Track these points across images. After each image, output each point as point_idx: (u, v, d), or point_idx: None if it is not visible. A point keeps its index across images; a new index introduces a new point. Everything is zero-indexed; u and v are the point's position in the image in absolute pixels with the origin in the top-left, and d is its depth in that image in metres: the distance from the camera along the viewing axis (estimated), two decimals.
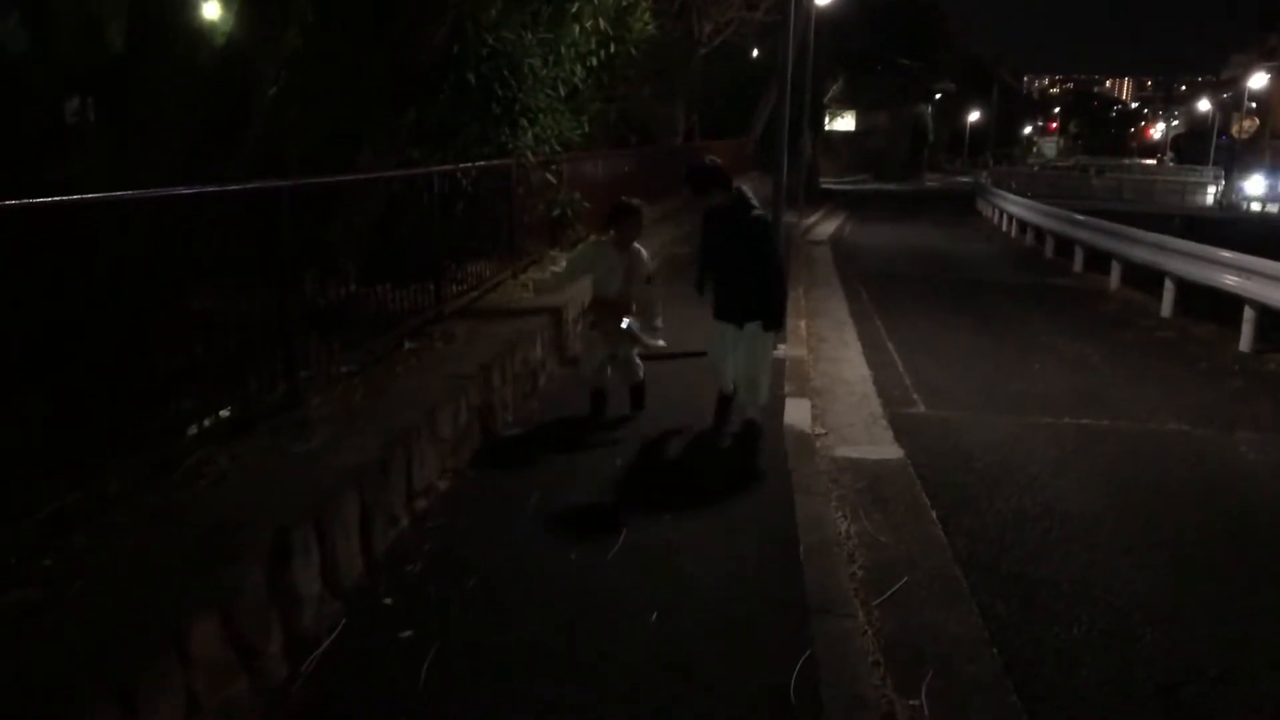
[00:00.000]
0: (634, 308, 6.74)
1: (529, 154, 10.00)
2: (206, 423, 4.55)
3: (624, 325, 6.70)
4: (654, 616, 4.17)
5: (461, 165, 8.48)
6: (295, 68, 7.66)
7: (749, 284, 6.26)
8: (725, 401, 6.85)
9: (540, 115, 10.12)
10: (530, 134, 9.96)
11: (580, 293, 9.49)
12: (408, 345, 6.68)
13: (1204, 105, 73.99)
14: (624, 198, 6.90)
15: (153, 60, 5.54)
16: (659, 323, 6.93)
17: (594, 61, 11.42)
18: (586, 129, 12.26)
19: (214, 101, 5.90)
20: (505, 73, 9.38)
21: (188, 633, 3.13)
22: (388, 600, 4.27)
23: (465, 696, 3.59)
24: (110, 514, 3.71)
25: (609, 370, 6.91)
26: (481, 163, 8.92)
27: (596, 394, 6.95)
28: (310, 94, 7.83)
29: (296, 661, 3.74)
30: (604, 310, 6.80)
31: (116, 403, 4.08)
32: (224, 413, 4.68)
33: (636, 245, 6.71)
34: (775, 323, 6.44)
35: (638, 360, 6.99)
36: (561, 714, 3.48)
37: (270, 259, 5.14)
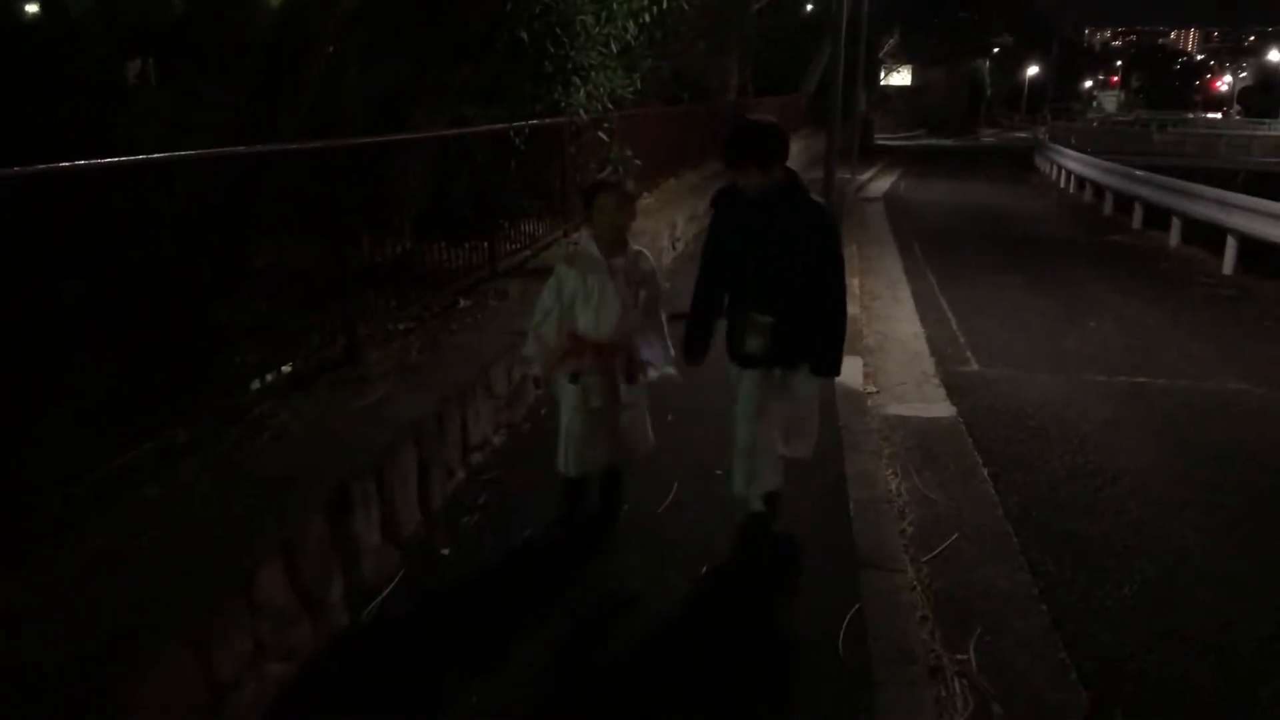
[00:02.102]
0: (640, 351, 4.34)
1: (581, 112, 9.99)
2: (269, 377, 4.67)
3: (626, 383, 4.29)
4: (704, 569, 4.24)
5: (514, 124, 8.50)
6: (352, 26, 7.71)
7: (798, 309, 4.08)
8: (760, 522, 4.54)
9: (592, 73, 10.09)
10: (582, 92, 9.95)
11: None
12: (462, 303, 6.77)
13: (1274, 56, 71.78)
14: (604, 175, 4.82)
15: (212, 21, 5.63)
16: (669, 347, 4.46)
17: (646, 18, 11.34)
18: (638, 86, 12.21)
19: (273, 61, 5.98)
20: (557, 30, 9.36)
21: (253, 579, 3.25)
22: (445, 551, 4.39)
23: (521, 644, 3.69)
24: (179, 465, 3.84)
25: (602, 448, 4.40)
26: (534, 121, 8.94)
27: (572, 486, 4.57)
28: (366, 53, 7.89)
29: (357, 609, 3.86)
30: (591, 356, 4.18)
31: (183, 357, 4.20)
32: (285, 368, 4.80)
33: (634, 246, 4.31)
34: (832, 365, 4.31)
35: (647, 423, 4.55)
36: (615, 663, 3.57)
37: (329, 216, 5.24)
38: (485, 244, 7.51)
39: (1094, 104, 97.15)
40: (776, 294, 4.12)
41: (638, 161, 11.87)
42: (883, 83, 52.30)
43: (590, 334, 4.15)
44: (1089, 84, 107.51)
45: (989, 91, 67.41)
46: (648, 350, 4.37)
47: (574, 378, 4.19)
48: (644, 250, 4.35)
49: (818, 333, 4.19)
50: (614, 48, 10.63)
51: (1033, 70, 76.46)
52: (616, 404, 4.27)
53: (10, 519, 3.19)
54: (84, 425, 3.62)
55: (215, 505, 3.62)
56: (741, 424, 4.34)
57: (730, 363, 4.34)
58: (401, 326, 5.95)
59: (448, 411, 4.92)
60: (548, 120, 9.37)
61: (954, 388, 7.29)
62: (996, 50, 67.10)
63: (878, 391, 7.09)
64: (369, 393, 4.88)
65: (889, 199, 21.86)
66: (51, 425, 3.52)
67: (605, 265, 4.13)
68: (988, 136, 58.83)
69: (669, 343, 4.40)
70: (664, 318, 4.42)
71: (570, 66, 9.68)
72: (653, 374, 4.41)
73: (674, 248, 11.83)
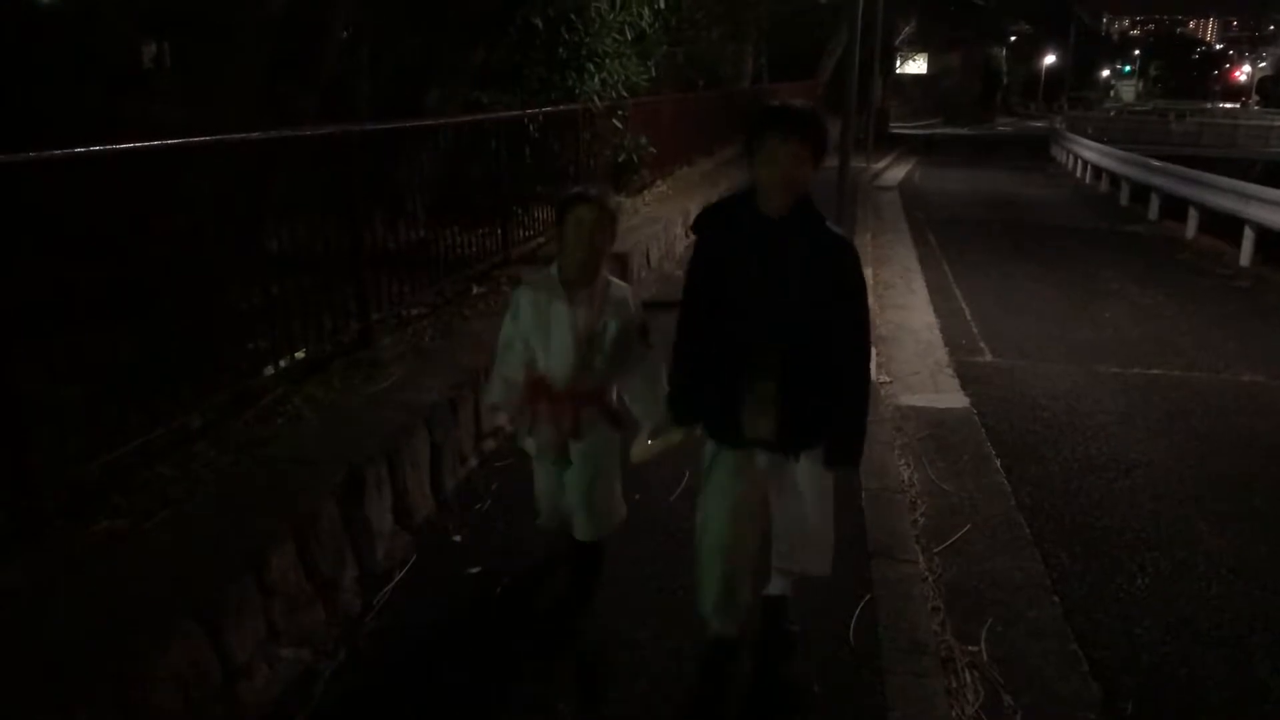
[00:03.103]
0: (612, 399, 3.60)
1: (595, 99, 9.98)
2: (283, 362, 4.69)
3: (574, 438, 3.52)
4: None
5: (528, 111, 8.50)
6: (367, 10, 7.71)
7: (809, 377, 3.04)
8: (721, 652, 3.42)
9: (607, 59, 10.09)
10: (597, 79, 9.94)
11: (645, 240, 9.51)
12: (476, 289, 6.77)
13: None
14: (580, 187, 3.49)
15: (227, 4, 5.63)
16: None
17: (661, 4, 11.33)
18: (653, 73, 12.20)
19: (288, 44, 5.99)
20: (572, 16, 9.35)
21: (266, 562, 3.27)
22: (457, 537, 4.39)
23: (533, 631, 3.70)
24: (193, 448, 3.86)
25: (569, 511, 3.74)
26: (548, 108, 8.93)
27: (579, 546, 3.80)
28: (380, 37, 7.89)
29: (370, 594, 3.87)
30: (543, 405, 3.49)
31: (197, 342, 4.22)
32: (299, 353, 4.81)
33: (611, 278, 3.52)
34: (850, 452, 3.19)
35: (618, 493, 3.74)
36: (626, 647, 3.57)
37: (343, 202, 5.24)
38: (499, 230, 7.51)
39: (1111, 93, 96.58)
40: (782, 355, 3.03)
41: (652, 149, 11.86)
42: (898, 70, 52.04)
43: (549, 377, 3.45)
44: (1106, 72, 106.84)
45: (1005, 80, 67.00)
46: (631, 401, 3.61)
47: (533, 430, 3.52)
48: (617, 280, 3.53)
49: (834, 409, 3.10)
50: (629, 34, 10.62)
51: (1050, 58, 75.95)
52: (580, 463, 3.55)
53: (28, 500, 3.21)
54: (99, 408, 3.64)
55: (228, 488, 3.64)
56: (716, 524, 3.24)
57: (716, 442, 3.26)
58: (415, 312, 5.97)
59: (460, 397, 4.92)
60: (562, 107, 9.36)
61: (967, 378, 7.26)
62: (1013, 38, 66.73)
63: (891, 381, 7.07)
64: (382, 378, 4.89)
65: (904, 187, 21.75)
66: (67, 408, 3.54)
67: (564, 294, 3.37)
68: (1004, 125, 58.48)
69: (661, 390, 3.49)
70: (659, 365, 3.52)
71: (585, 53, 9.67)
72: (645, 448, 3.59)
73: (687, 235, 11.80)
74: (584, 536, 3.70)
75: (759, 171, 2.94)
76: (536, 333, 3.44)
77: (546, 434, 3.50)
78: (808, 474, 3.22)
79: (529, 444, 3.61)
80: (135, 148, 3.69)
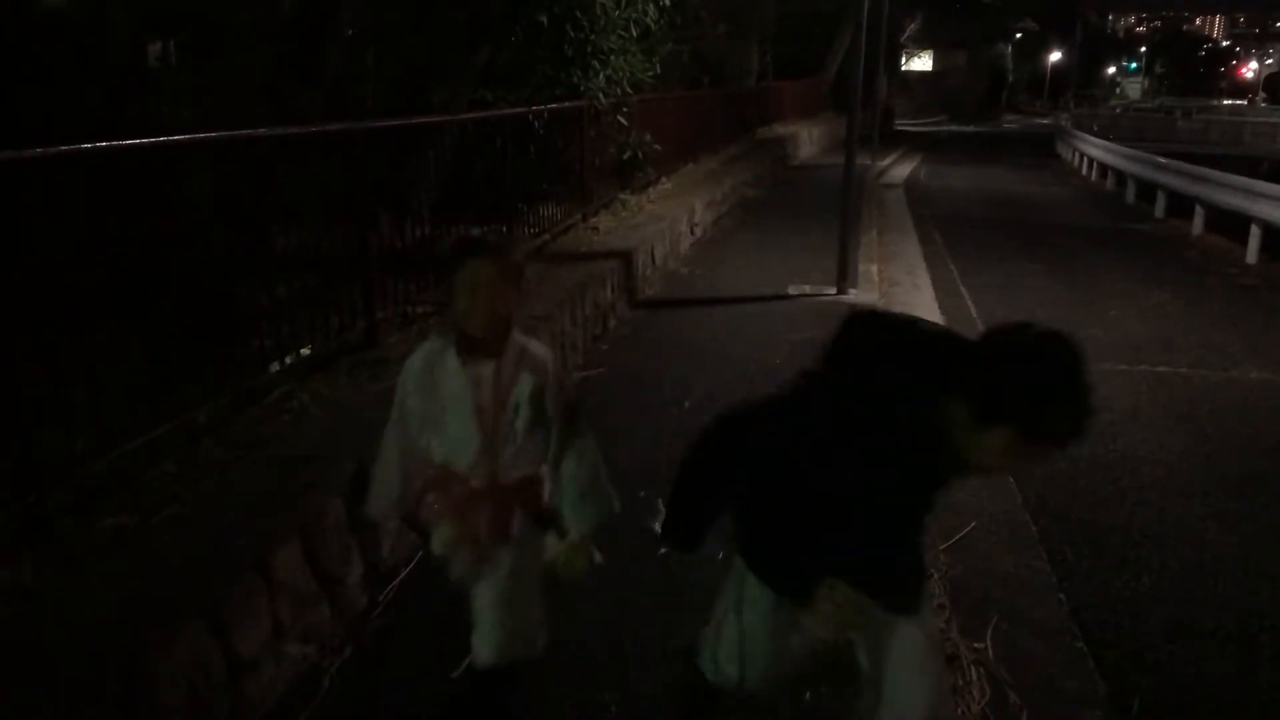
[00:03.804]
0: (545, 493, 2.80)
1: (600, 96, 9.98)
2: (288, 360, 4.69)
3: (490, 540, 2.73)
4: (720, 555, 4.23)
5: (534, 108, 8.50)
6: (373, 10, 7.72)
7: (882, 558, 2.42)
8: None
9: (612, 57, 10.09)
10: (602, 76, 9.94)
11: (650, 237, 9.51)
12: None
13: None
14: (478, 231, 3.06)
15: (233, 3, 5.63)
16: (611, 502, 2.84)
17: (667, 1, 11.31)
18: (658, 70, 12.20)
19: (294, 43, 5.99)
20: (577, 13, 9.35)
21: (272, 559, 3.27)
22: None
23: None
24: (199, 445, 3.86)
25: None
26: (553, 105, 8.93)
27: (476, 679, 2.92)
28: (387, 35, 7.89)
29: (376, 591, 3.87)
30: (460, 498, 2.72)
31: (203, 339, 4.22)
32: (305, 350, 4.82)
33: (526, 340, 2.73)
34: (911, 601, 2.52)
35: (533, 608, 2.85)
36: (637, 650, 3.57)
37: (349, 199, 5.25)
38: (504, 227, 7.51)
39: (1117, 90, 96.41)
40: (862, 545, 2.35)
41: (657, 146, 11.86)
42: (904, 68, 52.00)
43: (452, 466, 2.69)
44: (1112, 70, 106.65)
45: (1011, 77, 66.95)
46: (557, 500, 2.77)
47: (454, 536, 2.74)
48: (535, 343, 2.73)
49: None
50: (634, 31, 10.62)
51: (1055, 56, 75.84)
52: (494, 574, 2.72)
53: (35, 497, 3.21)
54: (105, 405, 3.65)
55: (234, 485, 3.64)
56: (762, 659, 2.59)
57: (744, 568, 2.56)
58: (421, 309, 5.97)
59: None
60: (567, 104, 9.36)
61: None
62: (1019, 35, 66.66)
63: None
64: (388, 375, 4.88)
65: (909, 185, 21.72)
66: (74, 404, 3.54)
67: (462, 372, 2.61)
68: (1010, 123, 58.43)
69: (603, 482, 2.79)
70: (593, 453, 2.77)
71: (590, 50, 9.67)
72: (574, 547, 2.77)
73: (692, 233, 11.81)
74: (486, 659, 2.73)
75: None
76: (429, 411, 2.68)
77: (450, 534, 2.73)
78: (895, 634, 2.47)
79: (435, 542, 2.80)
80: (139, 144, 3.70)
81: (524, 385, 2.63)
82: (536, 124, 8.51)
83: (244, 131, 4.46)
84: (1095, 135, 27.74)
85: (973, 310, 9.36)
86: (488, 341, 2.60)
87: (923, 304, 9.63)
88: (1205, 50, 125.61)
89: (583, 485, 2.74)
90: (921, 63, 58.23)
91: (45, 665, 2.57)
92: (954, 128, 49.48)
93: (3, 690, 2.48)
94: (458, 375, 2.62)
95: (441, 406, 2.66)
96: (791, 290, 9.32)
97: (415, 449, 2.76)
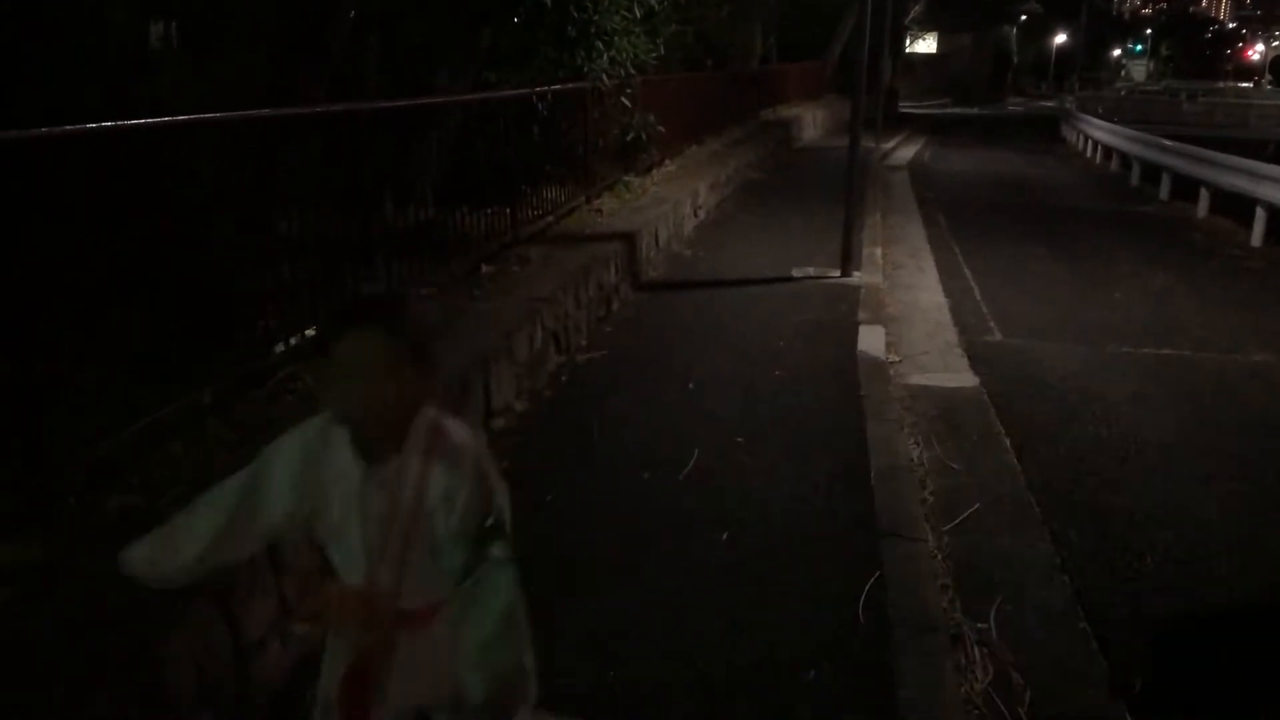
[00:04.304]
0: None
1: (604, 77, 9.95)
2: (293, 341, 4.69)
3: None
4: (725, 535, 4.25)
5: (537, 89, 8.47)
6: None
7: None
8: None
9: (615, 38, 10.04)
10: (605, 57, 9.90)
11: (654, 219, 9.50)
12: (484, 269, 6.77)
13: None
14: (368, 289, 2.62)
15: None
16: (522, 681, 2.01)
17: None
18: (662, 51, 12.15)
19: (295, 24, 5.96)
20: None
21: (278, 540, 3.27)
22: None
23: (544, 615, 3.70)
24: (205, 425, 3.87)
25: None
26: (556, 86, 8.91)
27: None
28: (389, 17, 7.87)
29: None
30: (359, 612, 1.96)
31: (208, 320, 4.22)
32: (309, 332, 4.82)
33: (444, 422, 1.97)
34: None
35: (530, 659, 2.04)
36: (640, 626, 3.59)
37: (352, 181, 5.24)
38: (507, 210, 7.50)
39: (1122, 73, 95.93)
40: None
41: (660, 128, 11.82)
42: (908, 50, 51.75)
43: (345, 573, 2.05)
44: (1117, 52, 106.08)
45: (1016, 59, 66.60)
46: (461, 647, 1.94)
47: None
48: (454, 427, 1.99)
49: None
50: (638, 12, 10.56)
51: (1060, 38, 75.41)
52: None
53: (43, 477, 3.22)
54: (111, 385, 3.65)
55: (240, 466, 3.64)
56: None
57: None
58: (424, 292, 5.97)
59: (470, 376, 4.93)
60: (570, 85, 9.34)
61: (977, 357, 7.24)
62: (1024, 17, 66.26)
63: (900, 360, 7.06)
64: None
65: (913, 167, 21.66)
66: (80, 385, 3.55)
67: (357, 469, 1.94)
68: (1014, 105, 58.14)
69: (514, 644, 1.99)
70: (514, 590, 1.97)
71: (593, 31, 9.63)
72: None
73: (696, 215, 11.79)
74: (476, 700, 1.93)
75: None
76: (316, 508, 2.01)
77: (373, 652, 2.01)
78: None
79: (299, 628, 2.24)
80: (142, 124, 3.69)
81: (437, 484, 1.90)
82: (540, 105, 8.48)
83: (247, 112, 4.45)
84: (1100, 118, 27.62)
85: (977, 293, 9.35)
86: (383, 442, 1.92)
87: (927, 286, 9.63)
88: (1211, 32, 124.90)
89: (493, 639, 1.93)
90: (926, 45, 57.91)
91: (53, 645, 2.58)
92: (958, 110, 49.26)
93: (12, 669, 2.50)
94: (350, 474, 1.94)
95: (332, 507, 1.97)
96: (795, 273, 9.32)
97: (259, 534, 2.15)
